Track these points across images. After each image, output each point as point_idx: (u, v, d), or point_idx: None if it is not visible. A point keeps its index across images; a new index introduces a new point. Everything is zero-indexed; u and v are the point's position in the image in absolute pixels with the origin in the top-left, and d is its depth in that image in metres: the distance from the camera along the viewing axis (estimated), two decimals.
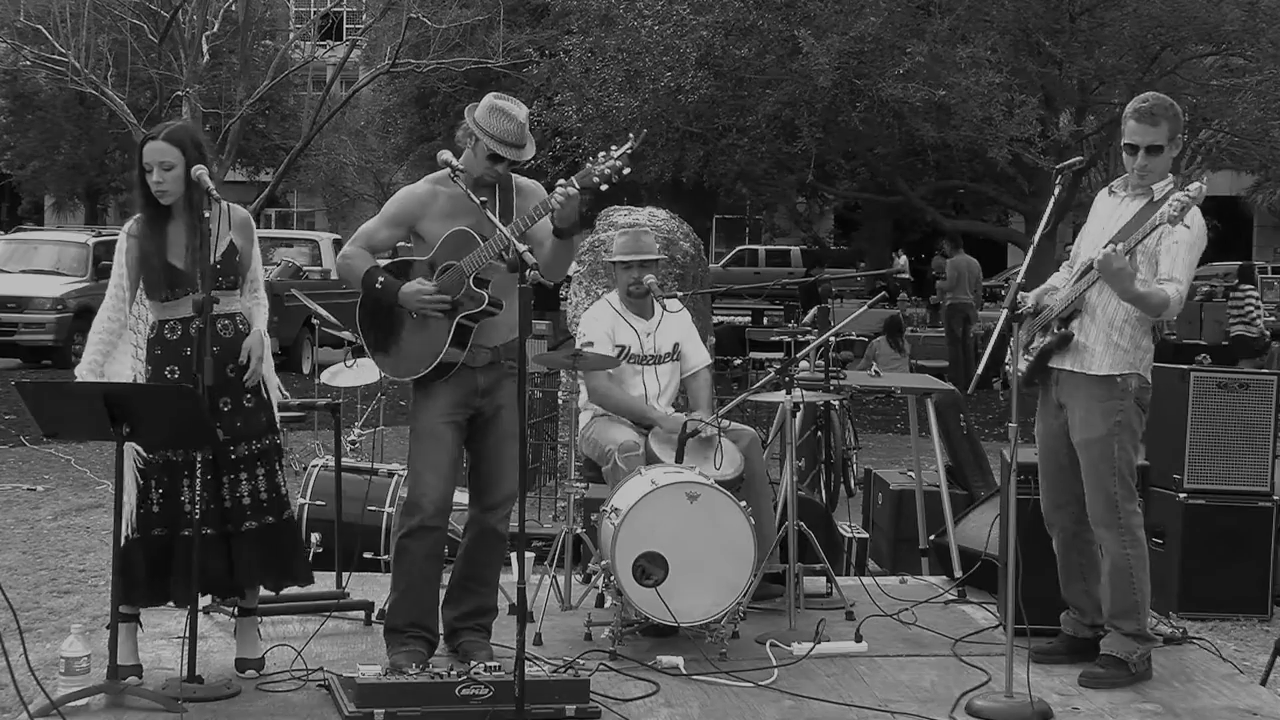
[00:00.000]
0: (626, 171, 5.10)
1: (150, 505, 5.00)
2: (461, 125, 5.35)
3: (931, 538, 7.23)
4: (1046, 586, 5.63)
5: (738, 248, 37.60)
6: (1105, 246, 5.19)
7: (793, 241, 37.48)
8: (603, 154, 5.11)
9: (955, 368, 17.41)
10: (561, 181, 5.07)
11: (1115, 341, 5.35)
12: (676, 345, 6.58)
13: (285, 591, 5.47)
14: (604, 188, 5.10)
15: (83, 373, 5.04)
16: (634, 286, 6.46)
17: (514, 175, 5.42)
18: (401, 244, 5.62)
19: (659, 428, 6.29)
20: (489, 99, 5.35)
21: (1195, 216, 5.25)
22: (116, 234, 5.37)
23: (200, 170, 5.04)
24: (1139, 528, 5.42)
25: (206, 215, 4.94)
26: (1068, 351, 5.42)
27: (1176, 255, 5.25)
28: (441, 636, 5.44)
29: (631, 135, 5.25)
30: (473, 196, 5.11)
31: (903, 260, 8.68)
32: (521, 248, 4.87)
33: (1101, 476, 5.35)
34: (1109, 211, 5.50)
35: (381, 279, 5.24)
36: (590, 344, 6.26)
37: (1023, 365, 5.52)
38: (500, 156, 5.26)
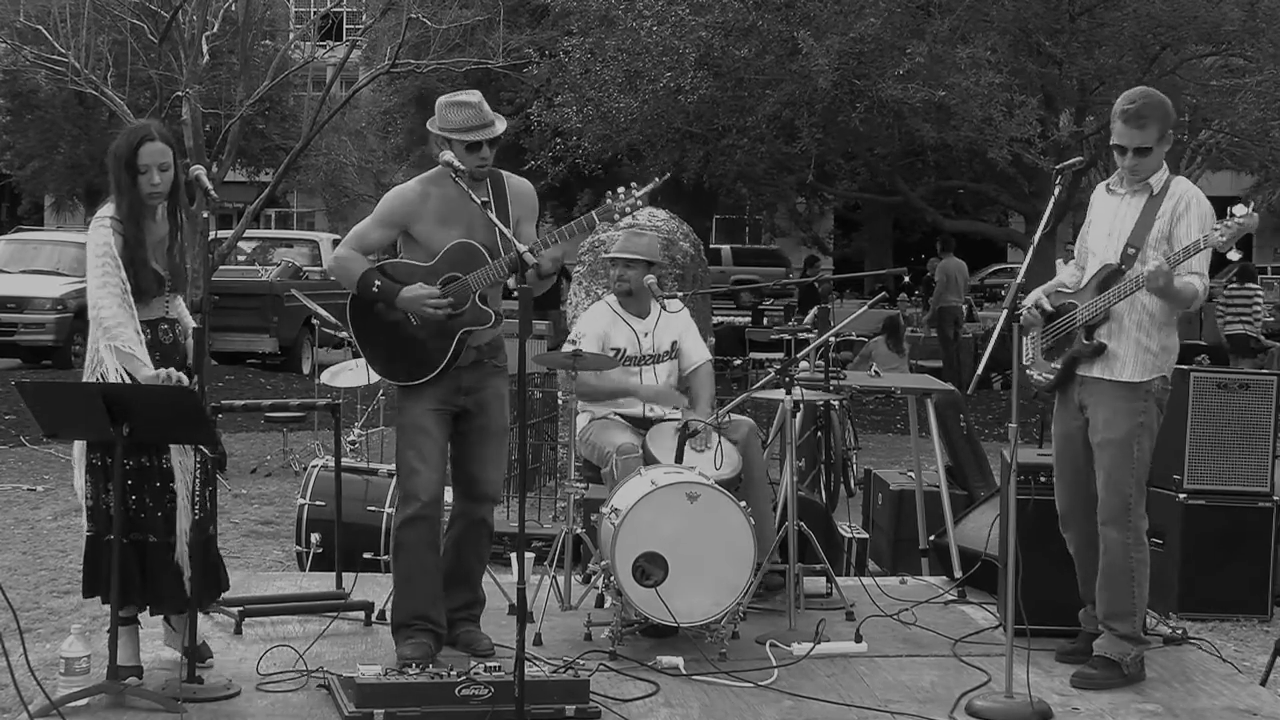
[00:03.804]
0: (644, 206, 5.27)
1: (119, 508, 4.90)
2: (431, 139, 5.34)
3: (931, 538, 7.23)
4: (1047, 587, 5.62)
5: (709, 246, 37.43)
6: (1149, 265, 5.18)
7: (790, 242, 37.36)
8: (623, 190, 5.21)
9: (948, 368, 17.44)
10: (523, 249, 4.92)
11: (1145, 346, 5.36)
12: (675, 343, 6.65)
13: (284, 592, 5.45)
14: (619, 220, 5.29)
15: (133, 347, 4.83)
16: (617, 284, 6.59)
17: (507, 175, 5.44)
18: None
19: (644, 402, 6.41)
20: (440, 102, 5.34)
21: (1202, 202, 5.28)
22: None
23: (199, 170, 5.03)
24: (1144, 531, 5.42)
25: (206, 215, 4.93)
26: (1096, 359, 5.41)
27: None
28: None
29: (657, 177, 5.45)
30: (474, 198, 5.12)
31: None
32: (522, 248, 4.90)
33: (1120, 478, 5.34)
34: (1111, 211, 5.49)
35: (378, 283, 5.25)
36: (580, 341, 6.33)
37: (1049, 374, 5.53)
38: (478, 143, 5.25)
